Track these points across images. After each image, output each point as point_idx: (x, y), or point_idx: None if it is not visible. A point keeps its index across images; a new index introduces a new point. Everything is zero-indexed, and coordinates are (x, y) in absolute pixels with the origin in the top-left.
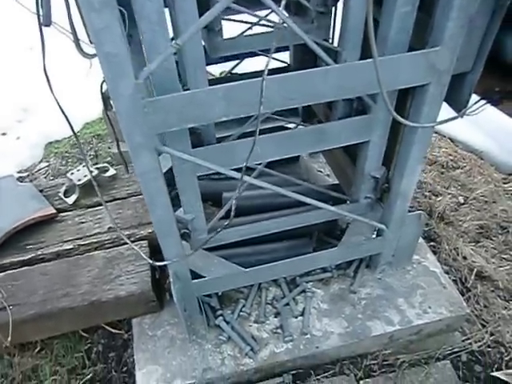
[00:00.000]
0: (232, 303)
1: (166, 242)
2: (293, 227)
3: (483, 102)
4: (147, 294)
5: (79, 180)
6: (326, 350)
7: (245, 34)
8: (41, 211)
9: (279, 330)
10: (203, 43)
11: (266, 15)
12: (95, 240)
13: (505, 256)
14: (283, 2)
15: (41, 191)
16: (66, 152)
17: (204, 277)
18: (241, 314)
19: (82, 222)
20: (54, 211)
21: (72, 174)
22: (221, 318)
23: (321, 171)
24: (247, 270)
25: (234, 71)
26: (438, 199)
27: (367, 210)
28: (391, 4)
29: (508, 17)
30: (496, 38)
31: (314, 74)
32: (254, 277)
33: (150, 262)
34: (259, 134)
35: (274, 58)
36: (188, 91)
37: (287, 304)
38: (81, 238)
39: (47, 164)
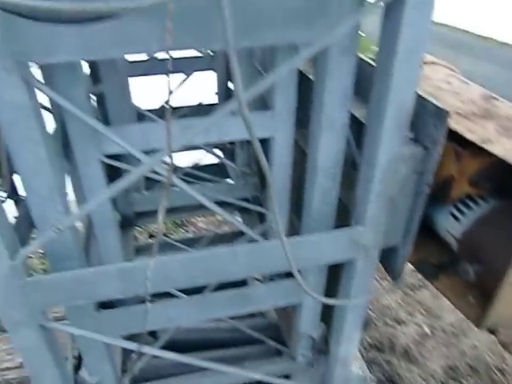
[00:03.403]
0: None
1: None
2: None
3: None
4: None
5: None
6: None
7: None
8: None
9: None
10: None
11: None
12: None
13: None
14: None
15: None
16: None
17: None
18: None
19: None
20: None
21: None
22: None
23: None
24: None
25: None
26: (402, 329)
27: (306, 368)
28: (312, 178)
29: (436, 193)
30: (427, 212)
31: (223, 254)
32: None
33: None
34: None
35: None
36: (73, 271)
37: None
38: None
39: None
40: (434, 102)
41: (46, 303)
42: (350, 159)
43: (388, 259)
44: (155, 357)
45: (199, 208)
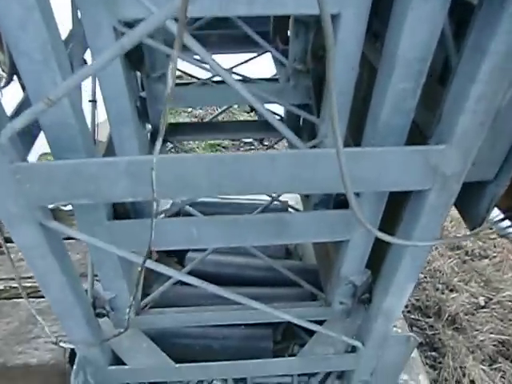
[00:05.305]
0: None
1: (68, 326)
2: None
3: (507, 223)
4: (61, 365)
5: None
6: None
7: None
8: None
9: None
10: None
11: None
12: (30, 284)
13: None
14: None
15: None
16: None
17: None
18: None
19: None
20: None
21: None
22: None
23: None
24: (178, 365)
25: None
26: (453, 296)
27: (341, 317)
28: (386, 77)
29: None
30: None
31: (257, 158)
32: (187, 374)
33: (53, 340)
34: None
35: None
36: (74, 160)
37: None
38: (14, 279)
39: None
40: None
41: (43, 197)
42: (438, 69)
43: (470, 198)
44: (183, 284)
45: (237, 129)
